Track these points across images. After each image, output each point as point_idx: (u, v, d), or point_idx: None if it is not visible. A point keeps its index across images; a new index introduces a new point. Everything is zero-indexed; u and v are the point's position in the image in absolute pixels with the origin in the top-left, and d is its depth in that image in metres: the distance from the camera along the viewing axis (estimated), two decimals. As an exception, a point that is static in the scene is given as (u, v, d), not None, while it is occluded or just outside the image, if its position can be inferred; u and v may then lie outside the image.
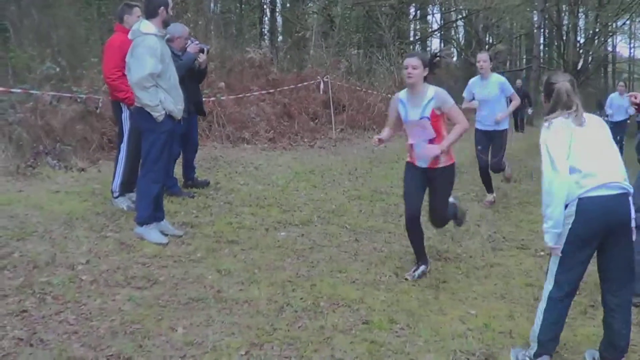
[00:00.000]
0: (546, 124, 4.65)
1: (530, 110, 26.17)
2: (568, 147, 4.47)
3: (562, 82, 4.71)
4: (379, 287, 6.25)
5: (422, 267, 6.71)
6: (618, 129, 17.76)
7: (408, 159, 6.68)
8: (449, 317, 5.66)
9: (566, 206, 4.47)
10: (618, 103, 18.02)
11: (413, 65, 6.23)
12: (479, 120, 10.17)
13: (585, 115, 4.65)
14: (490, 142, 10.16)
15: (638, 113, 6.42)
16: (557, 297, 4.58)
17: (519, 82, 25.62)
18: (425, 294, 6.17)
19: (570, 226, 4.45)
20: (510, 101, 10.11)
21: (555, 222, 4.49)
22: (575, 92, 4.70)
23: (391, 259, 7.15)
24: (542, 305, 4.66)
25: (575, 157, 4.46)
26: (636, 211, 4.65)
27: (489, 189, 10.44)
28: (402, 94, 6.50)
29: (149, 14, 7.04)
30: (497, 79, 9.89)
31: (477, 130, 10.21)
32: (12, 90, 10.95)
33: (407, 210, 6.57)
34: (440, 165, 6.46)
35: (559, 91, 4.68)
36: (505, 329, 5.45)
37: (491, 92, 9.83)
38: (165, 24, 7.17)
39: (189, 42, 8.92)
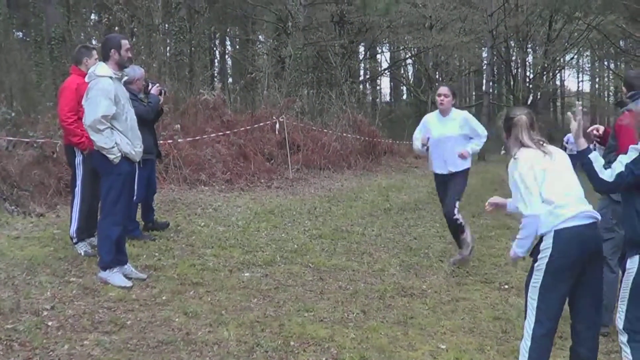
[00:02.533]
0: (514, 157, 4.74)
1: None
2: (538, 179, 4.57)
3: (520, 115, 4.84)
4: (347, 325, 6.26)
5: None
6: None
7: None
8: (420, 352, 5.70)
9: (542, 238, 4.55)
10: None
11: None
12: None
13: (548, 146, 4.76)
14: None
15: (599, 146, 6.51)
16: (541, 334, 4.61)
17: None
18: (394, 330, 6.20)
19: (547, 259, 4.53)
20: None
21: (525, 249, 4.75)
22: (535, 123, 4.83)
23: (357, 297, 7.17)
24: (527, 343, 4.65)
25: (546, 188, 4.54)
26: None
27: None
28: None
29: (104, 57, 7.07)
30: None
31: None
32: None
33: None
34: None
35: (518, 123, 4.80)
36: (476, 362, 5.48)
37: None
38: (121, 66, 7.14)
39: (150, 84, 8.99)
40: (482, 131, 8.67)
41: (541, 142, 4.76)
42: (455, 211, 8.57)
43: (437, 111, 8.86)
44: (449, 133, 8.62)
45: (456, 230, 8.75)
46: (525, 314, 4.74)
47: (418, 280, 7.95)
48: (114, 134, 6.86)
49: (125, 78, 7.50)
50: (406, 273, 8.26)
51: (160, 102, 9.16)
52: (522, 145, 4.74)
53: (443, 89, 8.76)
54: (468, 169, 8.76)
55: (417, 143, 8.91)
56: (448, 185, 8.70)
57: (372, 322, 6.37)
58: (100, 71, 6.92)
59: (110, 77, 6.88)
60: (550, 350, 4.73)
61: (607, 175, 4.54)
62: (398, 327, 6.29)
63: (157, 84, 9.25)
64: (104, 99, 6.76)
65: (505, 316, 6.70)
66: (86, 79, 7.08)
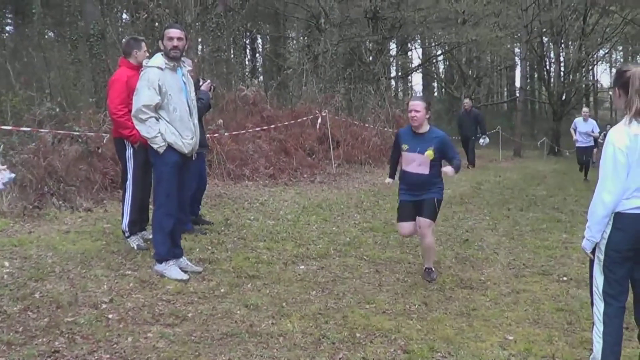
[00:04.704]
0: (626, 119, 4.45)
1: (482, 140, 21.93)
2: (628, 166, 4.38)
3: (636, 68, 4.44)
4: (411, 317, 6.16)
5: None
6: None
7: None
8: (488, 343, 5.59)
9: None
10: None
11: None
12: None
13: None
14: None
15: None
16: (612, 314, 4.52)
17: (467, 101, 23.03)
18: (458, 321, 6.10)
19: (606, 240, 4.47)
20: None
21: (593, 234, 4.54)
22: None
23: (416, 289, 7.07)
24: (599, 328, 4.56)
25: (635, 175, 4.37)
26: None
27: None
28: None
29: (159, 48, 7.02)
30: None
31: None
32: (22, 129, 10.92)
33: None
34: None
35: (634, 76, 4.39)
36: (547, 353, 5.39)
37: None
38: (168, 56, 6.99)
39: (200, 80, 8.98)
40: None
41: None
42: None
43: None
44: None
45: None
46: (592, 302, 4.69)
47: (475, 273, 7.82)
48: (160, 123, 6.78)
49: (188, 68, 7.39)
50: (462, 265, 8.14)
51: (210, 98, 9.16)
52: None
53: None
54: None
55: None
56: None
57: (436, 314, 6.27)
58: (151, 62, 6.88)
59: (159, 67, 6.80)
60: (622, 333, 4.65)
61: None
62: (462, 319, 6.18)
63: (208, 80, 9.27)
64: (147, 88, 6.72)
65: (568, 308, 6.55)
66: (142, 69, 7.03)
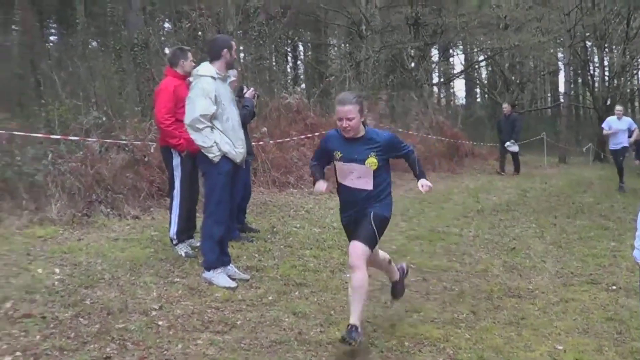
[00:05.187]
0: None
1: (510, 144, 21.06)
2: None
3: None
4: (459, 326, 6.14)
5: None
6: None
7: None
8: (537, 353, 5.55)
9: None
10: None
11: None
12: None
13: None
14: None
15: None
16: None
17: (505, 106, 22.60)
18: (507, 330, 6.06)
19: None
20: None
21: None
22: None
23: (464, 297, 7.06)
24: None
25: None
26: None
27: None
28: None
29: (213, 57, 7.04)
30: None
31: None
32: (70, 138, 11.10)
33: None
34: None
35: None
36: (598, 364, 5.31)
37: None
38: (229, 66, 7.15)
39: (244, 88, 9.06)
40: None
41: None
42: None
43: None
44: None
45: None
46: None
47: (523, 281, 7.76)
48: (214, 133, 6.83)
49: (232, 78, 7.47)
50: (510, 274, 8.08)
51: (254, 106, 9.21)
52: None
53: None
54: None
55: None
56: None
57: (484, 323, 6.24)
58: (203, 71, 6.93)
59: (212, 77, 6.85)
60: None
61: None
62: (511, 328, 6.13)
63: (252, 88, 9.36)
64: (203, 98, 6.77)
65: (618, 317, 6.47)
66: (190, 78, 7.08)
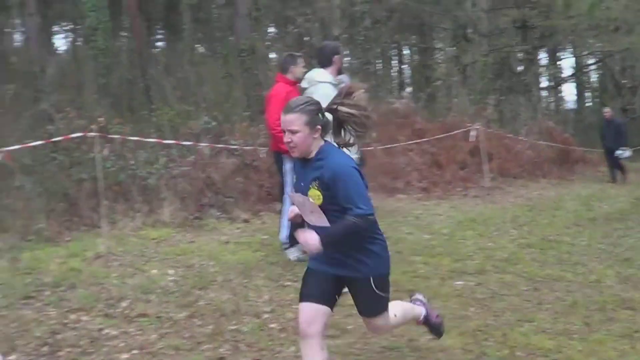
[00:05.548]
0: None
1: (621, 152, 19.87)
2: None
3: None
4: (572, 337, 5.90)
5: None
6: None
7: None
8: (655, 367, 5.31)
9: None
10: None
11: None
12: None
13: None
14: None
15: None
16: None
17: (607, 110, 21.62)
18: (621, 343, 5.79)
19: None
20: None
21: None
22: None
23: (577, 308, 6.77)
24: None
25: None
26: None
27: None
28: None
29: (324, 63, 7.03)
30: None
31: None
32: (182, 143, 11.36)
33: None
34: None
35: None
36: None
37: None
38: (339, 72, 7.13)
39: None
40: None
41: None
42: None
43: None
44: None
45: None
46: None
47: (638, 293, 7.39)
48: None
49: (343, 84, 7.46)
50: (624, 285, 7.74)
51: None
52: None
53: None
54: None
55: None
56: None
57: (597, 335, 5.99)
58: (321, 77, 6.92)
59: (330, 83, 6.85)
60: None
61: None
62: (625, 341, 5.86)
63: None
64: (326, 104, 6.74)
65: None
66: (303, 84, 7.09)
